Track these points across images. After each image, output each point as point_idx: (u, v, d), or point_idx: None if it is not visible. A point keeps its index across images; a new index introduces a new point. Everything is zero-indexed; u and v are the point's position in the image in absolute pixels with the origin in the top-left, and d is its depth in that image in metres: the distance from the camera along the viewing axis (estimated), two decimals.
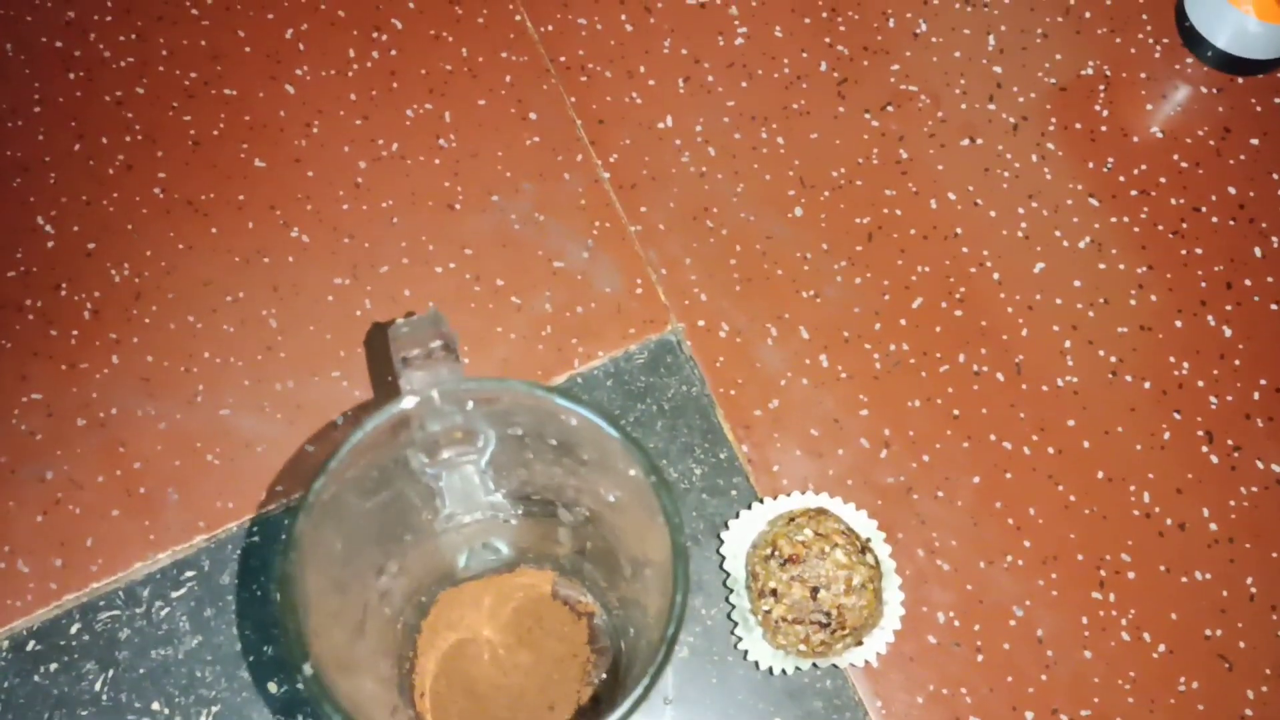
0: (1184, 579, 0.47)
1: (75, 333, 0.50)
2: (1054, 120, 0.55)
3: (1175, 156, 0.54)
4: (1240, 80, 0.56)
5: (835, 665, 0.45)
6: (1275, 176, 0.54)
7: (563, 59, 0.55)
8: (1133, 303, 0.52)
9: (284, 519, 0.47)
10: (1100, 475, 0.49)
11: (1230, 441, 0.49)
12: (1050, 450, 0.49)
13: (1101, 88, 0.56)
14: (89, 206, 0.52)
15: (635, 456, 0.31)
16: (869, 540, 0.45)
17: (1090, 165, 0.54)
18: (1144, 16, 0.57)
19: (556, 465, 0.36)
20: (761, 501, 0.47)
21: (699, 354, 0.50)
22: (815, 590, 0.43)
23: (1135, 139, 0.55)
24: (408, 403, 0.31)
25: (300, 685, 0.44)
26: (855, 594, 0.43)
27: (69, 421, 0.48)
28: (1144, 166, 0.54)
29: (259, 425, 0.49)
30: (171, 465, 0.48)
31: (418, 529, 0.39)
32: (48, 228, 0.52)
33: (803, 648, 0.43)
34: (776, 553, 0.43)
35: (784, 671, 0.44)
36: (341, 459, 0.31)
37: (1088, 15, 0.57)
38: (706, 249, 0.52)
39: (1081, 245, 0.53)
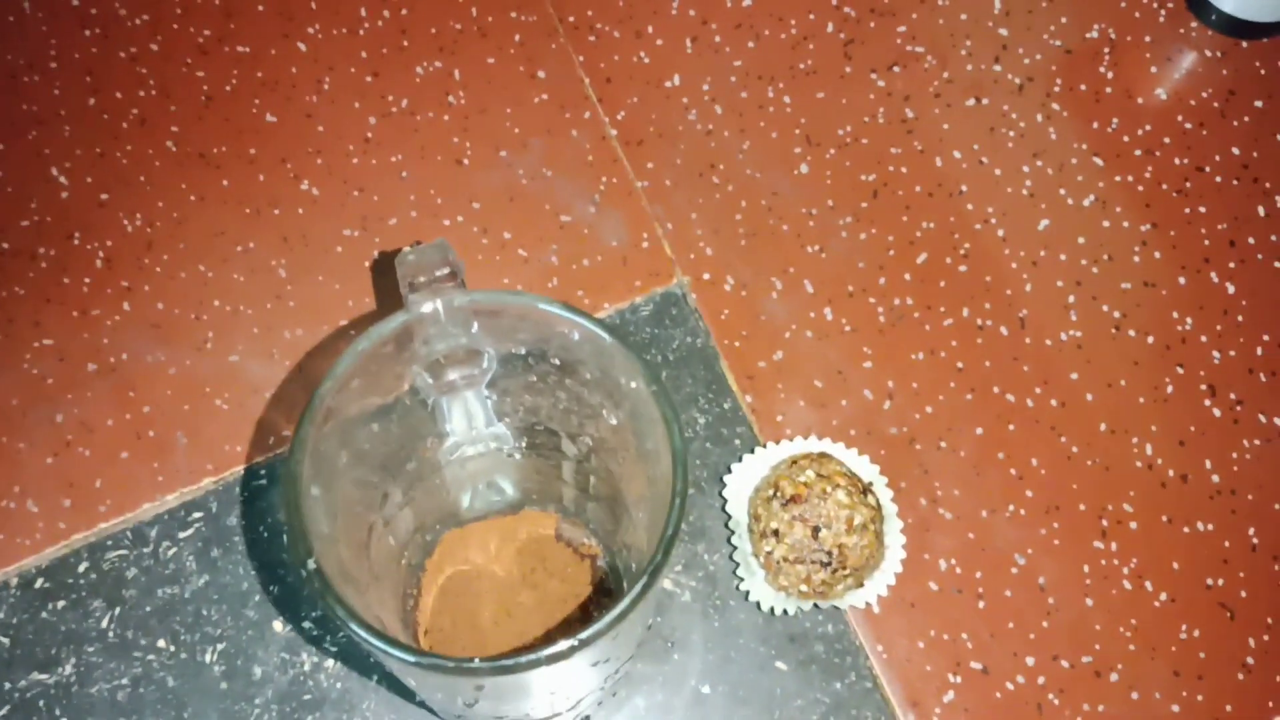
0: (1186, 529, 0.47)
1: (88, 280, 0.50)
2: (1059, 81, 0.55)
3: (1179, 118, 0.55)
4: (1244, 44, 0.56)
5: (836, 607, 0.45)
6: (1279, 138, 0.54)
7: (571, 19, 0.56)
8: (1136, 260, 0.52)
9: None
10: (1103, 428, 0.49)
11: (1233, 395, 0.50)
12: (1053, 403, 0.49)
13: (1106, 50, 0.56)
14: (102, 159, 0.53)
15: (635, 365, 0.31)
16: (870, 484, 0.45)
17: (1095, 125, 0.55)
18: None
19: (560, 389, 0.36)
20: (765, 446, 0.47)
21: (704, 306, 0.51)
22: (816, 530, 0.43)
23: (1140, 100, 0.55)
24: (412, 312, 0.32)
25: (306, 626, 0.45)
26: (856, 534, 0.43)
27: (80, 366, 0.49)
28: (1148, 127, 0.54)
29: (267, 371, 0.49)
30: (180, 410, 0.48)
31: (422, 458, 0.39)
32: (62, 179, 0.52)
33: (804, 588, 0.43)
34: (778, 493, 0.44)
35: (785, 612, 0.44)
36: (347, 364, 0.31)
37: None
38: (713, 205, 0.53)
39: (1086, 203, 0.53)
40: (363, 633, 0.28)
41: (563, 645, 0.28)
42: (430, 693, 0.33)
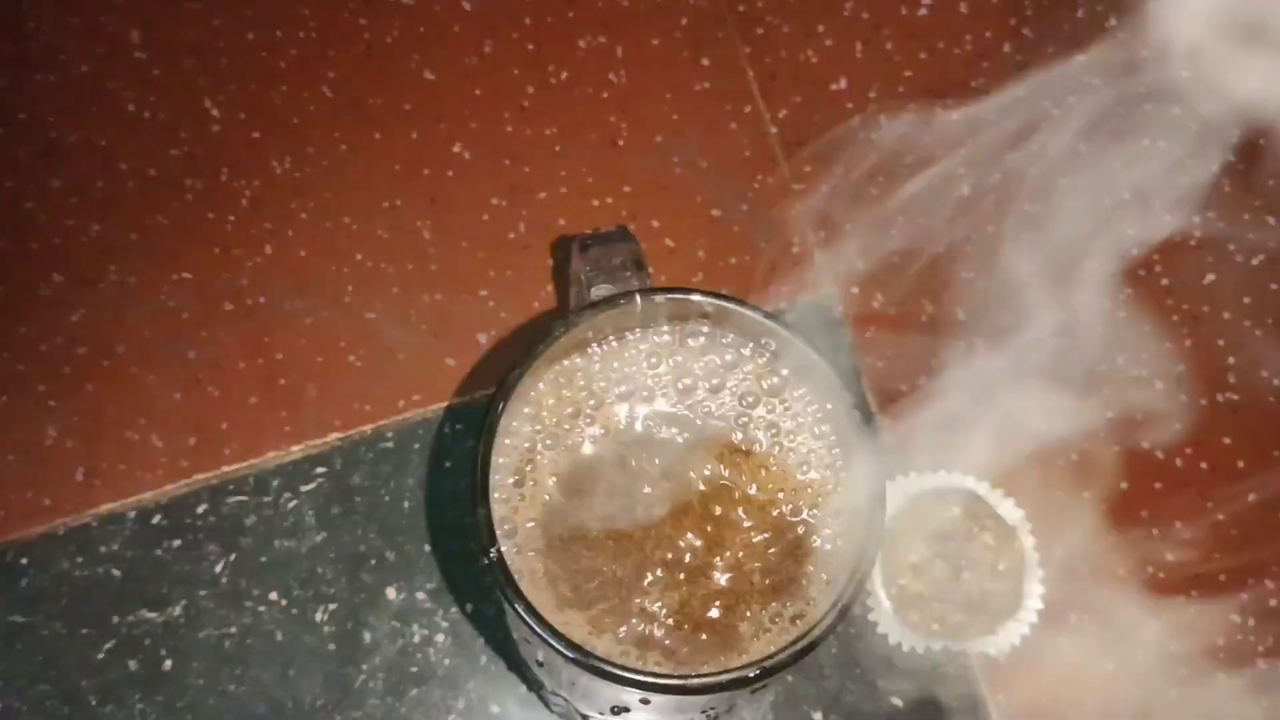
0: None
1: (232, 219, 0.50)
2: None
3: None
4: None
5: (964, 651, 0.43)
6: None
7: (741, 8, 0.54)
8: None
9: (419, 428, 0.47)
10: (1252, 498, 0.47)
11: None
12: (1203, 465, 0.47)
13: None
14: (257, 96, 0.52)
15: (838, 388, 0.30)
16: (1016, 528, 0.44)
17: (1271, 183, 0.52)
18: None
19: None
20: (906, 475, 0.46)
21: (850, 321, 0.49)
22: (959, 570, 0.41)
23: None
24: (623, 300, 0.31)
25: (420, 597, 0.44)
26: (999, 580, 0.41)
27: (217, 305, 0.48)
28: None
29: (403, 333, 0.48)
30: (314, 361, 0.48)
31: None
32: (214, 112, 0.51)
33: (935, 627, 0.42)
34: (921, 527, 0.42)
35: (913, 649, 0.43)
36: (550, 346, 0.30)
37: None
38: (869, 217, 0.51)
39: (1255, 262, 0.51)
40: (545, 633, 0.27)
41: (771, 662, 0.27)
42: (578, 694, 0.32)
